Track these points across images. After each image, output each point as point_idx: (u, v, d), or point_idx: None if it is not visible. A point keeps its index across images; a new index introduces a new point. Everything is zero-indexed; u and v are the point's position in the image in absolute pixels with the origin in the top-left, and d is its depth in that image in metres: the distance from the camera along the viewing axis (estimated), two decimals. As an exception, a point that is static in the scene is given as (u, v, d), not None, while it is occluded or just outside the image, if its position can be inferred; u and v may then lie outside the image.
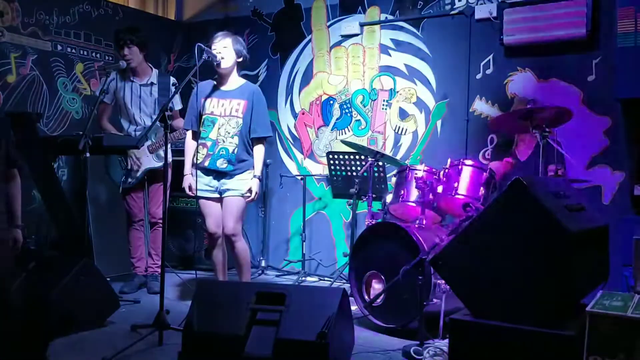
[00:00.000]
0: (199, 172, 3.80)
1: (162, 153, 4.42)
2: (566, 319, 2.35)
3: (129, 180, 4.43)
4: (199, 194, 3.80)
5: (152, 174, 4.47)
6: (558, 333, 2.26)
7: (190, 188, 3.81)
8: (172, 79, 4.56)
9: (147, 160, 4.43)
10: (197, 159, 3.81)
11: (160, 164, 4.43)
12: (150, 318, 3.34)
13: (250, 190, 3.79)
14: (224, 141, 3.77)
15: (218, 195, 3.84)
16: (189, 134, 3.91)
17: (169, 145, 3.47)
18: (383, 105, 5.16)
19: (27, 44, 4.73)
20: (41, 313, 3.14)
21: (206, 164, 3.77)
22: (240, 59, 3.87)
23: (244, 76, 4.06)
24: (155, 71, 4.56)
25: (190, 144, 3.90)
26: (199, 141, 3.82)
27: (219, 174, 3.81)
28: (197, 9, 6.18)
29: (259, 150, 3.84)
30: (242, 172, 3.80)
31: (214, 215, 3.87)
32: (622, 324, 2.15)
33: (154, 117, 4.43)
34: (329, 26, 5.42)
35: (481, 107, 4.72)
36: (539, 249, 2.35)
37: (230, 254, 3.94)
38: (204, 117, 3.83)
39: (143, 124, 4.44)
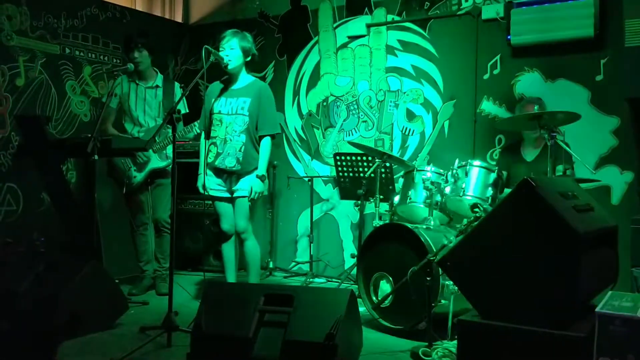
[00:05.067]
0: (212, 171, 3.85)
1: (165, 152, 4.44)
2: (575, 320, 2.34)
3: (133, 180, 4.44)
4: (212, 193, 3.87)
5: (155, 174, 4.49)
6: (567, 334, 2.25)
7: (203, 187, 3.85)
8: (178, 84, 4.60)
9: (151, 160, 4.44)
10: (208, 158, 3.86)
11: (164, 163, 4.46)
12: (158, 320, 3.35)
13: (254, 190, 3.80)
14: (231, 139, 3.80)
15: (230, 195, 3.88)
16: (203, 134, 3.96)
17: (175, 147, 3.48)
18: (390, 106, 5.16)
19: (36, 47, 4.76)
20: (50, 315, 3.15)
21: (216, 162, 3.81)
22: (249, 58, 3.89)
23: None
24: (160, 75, 4.58)
25: (203, 144, 3.94)
26: (210, 140, 3.87)
27: (230, 174, 3.83)
28: (204, 11, 6.20)
29: (263, 148, 3.84)
30: (250, 171, 3.81)
31: (226, 215, 3.93)
32: (632, 324, 2.14)
33: (159, 119, 4.46)
34: (335, 27, 5.43)
35: (488, 107, 4.71)
36: (547, 250, 2.34)
37: (241, 252, 3.98)
38: (213, 116, 3.86)
39: (147, 126, 4.46)
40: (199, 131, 4.03)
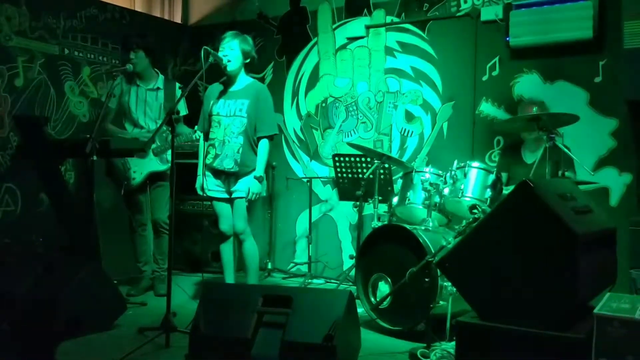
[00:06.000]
0: (210, 172, 3.85)
1: (165, 157, 4.43)
2: (574, 321, 2.34)
3: (131, 182, 4.43)
4: (211, 194, 3.88)
5: (154, 177, 4.48)
6: (566, 336, 2.25)
7: (202, 188, 3.86)
8: (178, 84, 4.58)
9: (150, 162, 4.44)
10: (207, 159, 3.86)
11: (164, 167, 4.45)
12: (157, 320, 3.35)
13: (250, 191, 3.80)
14: (229, 141, 3.80)
15: (228, 196, 3.88)
16: (202, 136, 3.96)
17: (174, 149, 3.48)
18: (389, 107, 5.16)
19: (35, 48, 4.76)
20: (49, 316, 3.15)
21: (214, 164, 3.82)
22: (248, 60, 3.89)
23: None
24: (161, 76, 4.57)
25: (202, 146, 3.94)
26: (208, 142, 3.87)
27: (228, 175, 3.84)
28: (204, 12, 6.21)
29: (261, 149, 3.84)
30: (248, 172, 3.82)
31: (225, 215, 3.93)
32: (630, 326, 2.14)
33: (159, 121, 4.45)
34: (334, 29, 5.43)
35: (487, 109, 4.72)
36: (546, 251, 2.34)
37: (240, 253, 3.98)
38: (212, 118, 3.87)
39: (147, 128, 4.46)
40: (199, 135, 4.02)
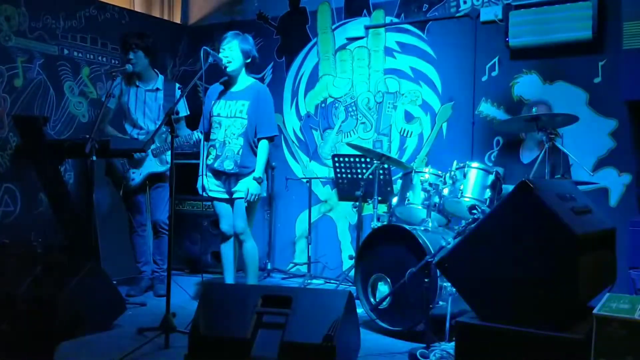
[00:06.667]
0: (211, 173, 3.86)
1: (165, 157, 4.43)
2: (573, 322, 2.34)
3: (130, 182, 4.43)
4: (212, 194, 3.89)
5: (153, 178, 4.47)
6: (565, 336, 2.25)
7: (203, 188, 3.86)
8: (177, 85, 4.58)
9: (149, 163, 4.43)
10: (208, 160, 3.87)
11: (163, 168, 4.44)
12: (156, 321, 3.35)
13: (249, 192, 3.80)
14: (229, 142, 3.81)
15: (228, 196, 3.88)
16: (203, 136, 3.97)
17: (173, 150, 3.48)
18: (388, 107, 5.16)
19: (34, 48, 4.76)
20: (48, 316, 3.15)
21: (215, 164, 3.83)
22: (249, 60, 3.89)
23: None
24: (160, 77, 4.57)
25: (203, 146, 3.94)
26: (209, 143, 3.88)
27: (228, 176, 3.85)
28: (203, 12, 6.21)
29: (261, 150, 3.84)
30: (248, 174, 3.82)
31: (225, 216, 3.94)
32: (630, 326, 2.14)
33: (158, 122, 4.45)
34: (334, 29, 5.43)
35: (487, 109, 4.72)
36: (545, 252, 2.34)
37: (240, 253, 3.98)
38: (212, 119, 3.87)
39: (147, 129, 4.45)
40: (201, 136, 4.02)
